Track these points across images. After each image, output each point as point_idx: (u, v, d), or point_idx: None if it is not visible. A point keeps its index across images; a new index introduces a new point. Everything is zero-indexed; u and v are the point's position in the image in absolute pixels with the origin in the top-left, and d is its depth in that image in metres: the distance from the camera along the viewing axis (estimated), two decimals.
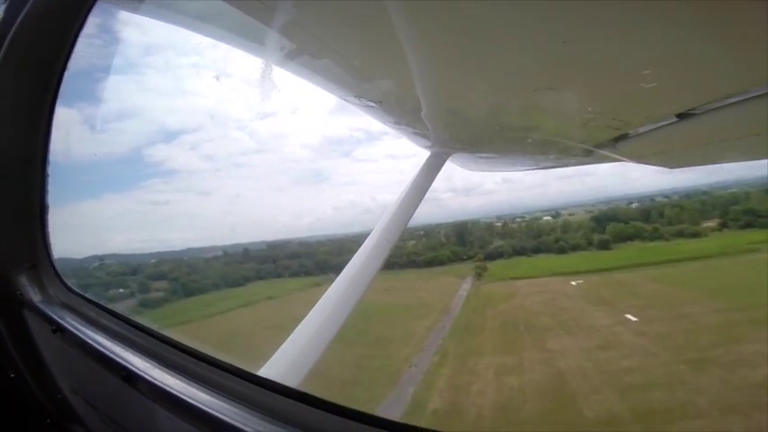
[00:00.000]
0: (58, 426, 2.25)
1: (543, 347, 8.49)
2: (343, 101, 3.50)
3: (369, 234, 4.00)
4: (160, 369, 1.45)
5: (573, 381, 7.33)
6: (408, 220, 4.33)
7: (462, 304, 10.98)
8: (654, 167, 4.29)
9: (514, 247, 12.10)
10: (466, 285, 11.76)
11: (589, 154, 3.72)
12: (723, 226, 9.75)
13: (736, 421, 5.67)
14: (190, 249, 13.55)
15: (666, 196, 11.05)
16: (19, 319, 2.08)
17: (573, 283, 10.59)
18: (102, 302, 1.92)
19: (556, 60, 2.20)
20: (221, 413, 1.19)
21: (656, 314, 8.63)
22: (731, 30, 1.58)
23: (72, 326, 1.78)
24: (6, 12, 1.77)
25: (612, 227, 11.12)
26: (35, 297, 2.01)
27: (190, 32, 2.44)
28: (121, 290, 11.75)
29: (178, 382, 1.37)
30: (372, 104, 3.53)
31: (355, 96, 3.41)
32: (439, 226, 13.63)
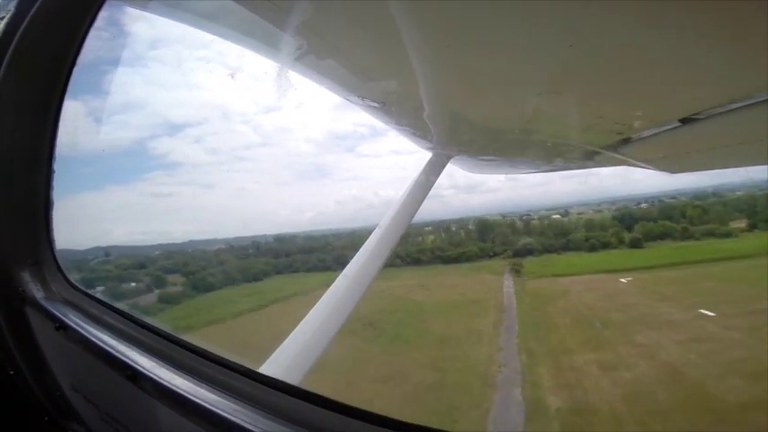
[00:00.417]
0: (56, 424, 2.24)
1: (633, 342, 8.23)
2: (347, 100, 3.51)
3: (375, 228, 4.01)
4: (165, 368, 1.44)
5: (689, 371, 7.09)
6: (410, 221, 4.35)
7: (517, 301, 10.78)
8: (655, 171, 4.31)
9: (543, 244, 11.94)
10: (507, 282, 11.55)
11: (591, 157, 3.73)
12: (752, 227, 9.70)
13: None
14: (193, 242, 13.36)
15: (673, 197, 11.01)
16: (20, 315, 2.07)
17: (622, 280, 10.36)
18: (105, 299, 1.91)
19: (561, 64, 2.21)
20: (229, 413, 1.19)
21: (729, 310, 8.27)
22: (735, 35, 1.59)
23: (75, 323, 1.77)
24: (17, 8, 1.77)
25: (642, 226, 10.98)
26: (37, 294, 2.00)
27: (197, 30, 2.45)
28: (133, 284, 11.47)
29: (184, 381, 1.37)
30: (375, 105, 3.53)
31: (359, 96, 3.42)
32: (444, 222, 13.57)
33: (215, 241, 13.27)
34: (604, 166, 4.21)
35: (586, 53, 2.04)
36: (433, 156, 4.41)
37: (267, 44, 2.51)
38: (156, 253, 12.62)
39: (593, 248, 11.36)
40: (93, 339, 1.66)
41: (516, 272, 11.72)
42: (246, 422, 1.17)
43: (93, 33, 1.80)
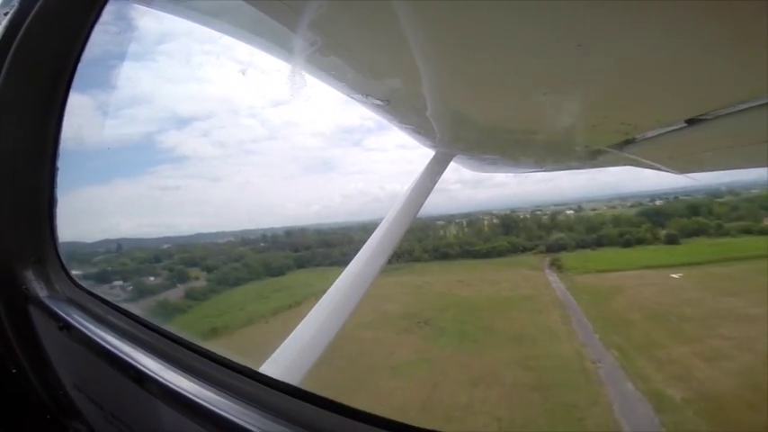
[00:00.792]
0: (58, 422, 2.24)
1: (722, 335, 8.12)
2: (351, 98, 3.49)
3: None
4: (171, 370, 1.44)
5: None
6: (413, 219, 4.34)
7: (574, 297, 10.59)
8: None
9: (575, 239, 11.90)
10: (552, 278, 11.48)
11: (596, 157, 3.71)
12: None
13: None
14: (201, 234, 13.28)
15: (687, 194, 10.97)
16: (23, 314, 2.06)
17: (673, 276, 10.25)
18: (109, 299, 1.90)
19: (568, 63, 2.19)
20: (237, 417, 1.18)
21: None
22: (744, 36, 1.57)
23: (79, 323, 1.76)
24: (20, 3, 1.75)
25: (675, 222, 10.94)
26: (41, 292, 1.99)
27: (204, 27, 2.43)
28: (152, 278, 11.17)
29: (190, 383, 1.36)
30: (380, 103, 3.52)
31: (363, 94, 3.40)
32: (465, 216, 13.49)
33: (223, 234, 13.18)
34: (609, 165, 4.20)
35: (594, 53, 2.02)
36: (437, 154, 4.40)
37: (272, 41, 2.50)
38: (166, 246, 12.48)
39: (627, 244, 11.27)
40: (98, 339, 1.65)
41: (557, 267, 11.63)
42: (255, 426, 1.16)
43: (99, 28, 1.78)
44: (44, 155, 2.00)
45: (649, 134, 3.10)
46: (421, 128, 4.04)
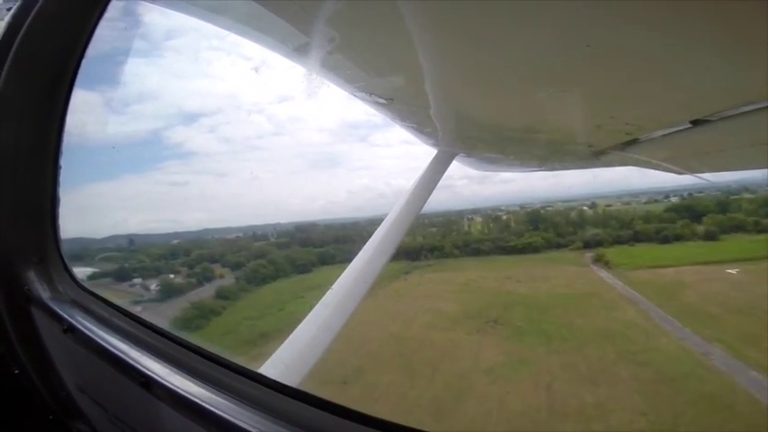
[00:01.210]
0: (60, 422, 2.23)
1: None
2: (354, 96, 3.47)
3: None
4: (176, 373, 1.42)
5: None
6: (414, 218, 4.33)
7: (639, 293, 10.44)
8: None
9: (611, 235, 11.83)
10: (602, 274, 11.36)
11: (600, 157, 3.71)
12: None
13: None
14: (208, 230, 13.15)
15: (701, 191, 10.95)
16: (26, 314, 2.04)
17: (731, 271, 10.15)
18: (113, 301, 1.88)
19: (575, 63, 2.17)
20: (247, 423, 1.17)
21: None
22: (750, 38, 1.57)
23: (83, 325, 1.74)
24: (23, 1, 1.71)
25: (711, 218, 10.90)
26: (43, 293, 1.97)
27: (211, 24, 2.41)
28: (171, 275, 10.61)
29: (195, 386, 1.35)
30: (383, 101, 3.50)
31: (366, 92, 3.38)
32: (462, 212, 13.38)
33: (230, 229, 13.07)
34: (612, 166, 4.20)
35: (602, 53, 2.01)
36: (439, 152, 4.38)
37: (277, 38, 2.48)
38: (176, 242, 12.32)
39: (665, 240, 11.23)
40: (102, 342, 1.63)
41: (604, 263, 11.50)
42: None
43: (104, 24, 1.75)
44: (46, 154, 1.97)
45: (654, 134, 3.10)
46: (423, 126, 4.03)
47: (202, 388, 1.38)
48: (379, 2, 1.89)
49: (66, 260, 2.06)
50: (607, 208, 12.36)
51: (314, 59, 2.71)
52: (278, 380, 1.40)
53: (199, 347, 1.54)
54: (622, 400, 7.71)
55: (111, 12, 1.76)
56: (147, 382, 1.45)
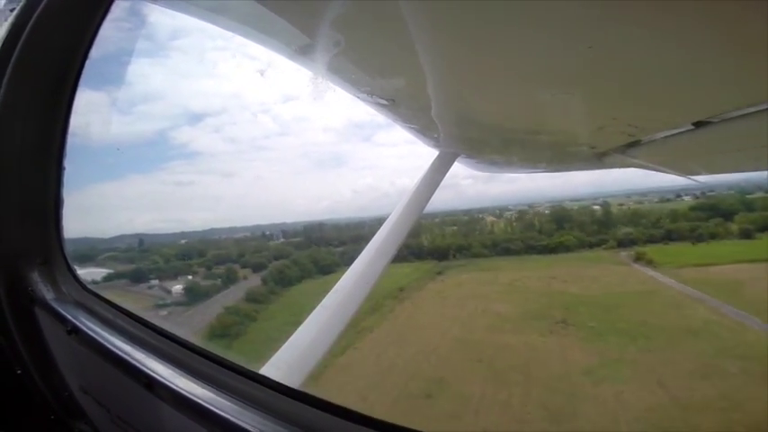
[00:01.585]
0: (62, 423, 2.23)
1: None
2: (356, 97, 3.48)
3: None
4: (181, 375, 1.43)
5: None
6: (416, 219, 4.33)
7: (700, 290, 10.34)
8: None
9: (644, 234, 11.76)
10: (650, 272, 11.24)
11: (601, 159, 3.70)
12: None
13: None
14: (214, 230, 13.06)
15: (711, 190, 10.89)
16: (29, 315, 2.04)
17: None
18: (117, 302, 1.89)
19: (578, 65, 2.17)
20: (249, 424, 1.17)
21: None
22: (753, 39, 1.56)
23: (86, 326, 1.74)
24: (27, 2, 1.72)
25: (744, 216, 10.85)
26: (47, 294, 1.97)
27: (214, 26, 2.41)
28: (190, 276, 10.15)
29: (200, 388, 1.35)
30: (384, 102, 3.50)
31: (368, 94, 3.39)
32: (475, 210, 13.21)
33: (235, 229, 13.00)
34: (615, 167, 4.19)
35: (605, 55, 2.01)
36: (441, 154, 4.39)
37: (280, 39, 2.48)
38: (183, 242, 12.20)
39: (699, 239, 11.18)
40: (106, 344, 1.64)
41: (647, 262, 11.39)
42: None
43: (109, 25, 1.75)
44: (50, 154, 1.98)
45: (657, 136, 3.10)
46: (425, 128, 4.03)
47: (205, 389, 1.38)
48: (381, 3, 1.90)
49: (69, 261, 2.07)
50: (620, 207, 12.27)
51: (317, 61, 2.71)
52: (281, 381, 1.41)
53: (202, 349, 1.54)
54: (744, 391, 7.61)
55: (116, 12, 1.77)
56: (151, 383, 1.46)
